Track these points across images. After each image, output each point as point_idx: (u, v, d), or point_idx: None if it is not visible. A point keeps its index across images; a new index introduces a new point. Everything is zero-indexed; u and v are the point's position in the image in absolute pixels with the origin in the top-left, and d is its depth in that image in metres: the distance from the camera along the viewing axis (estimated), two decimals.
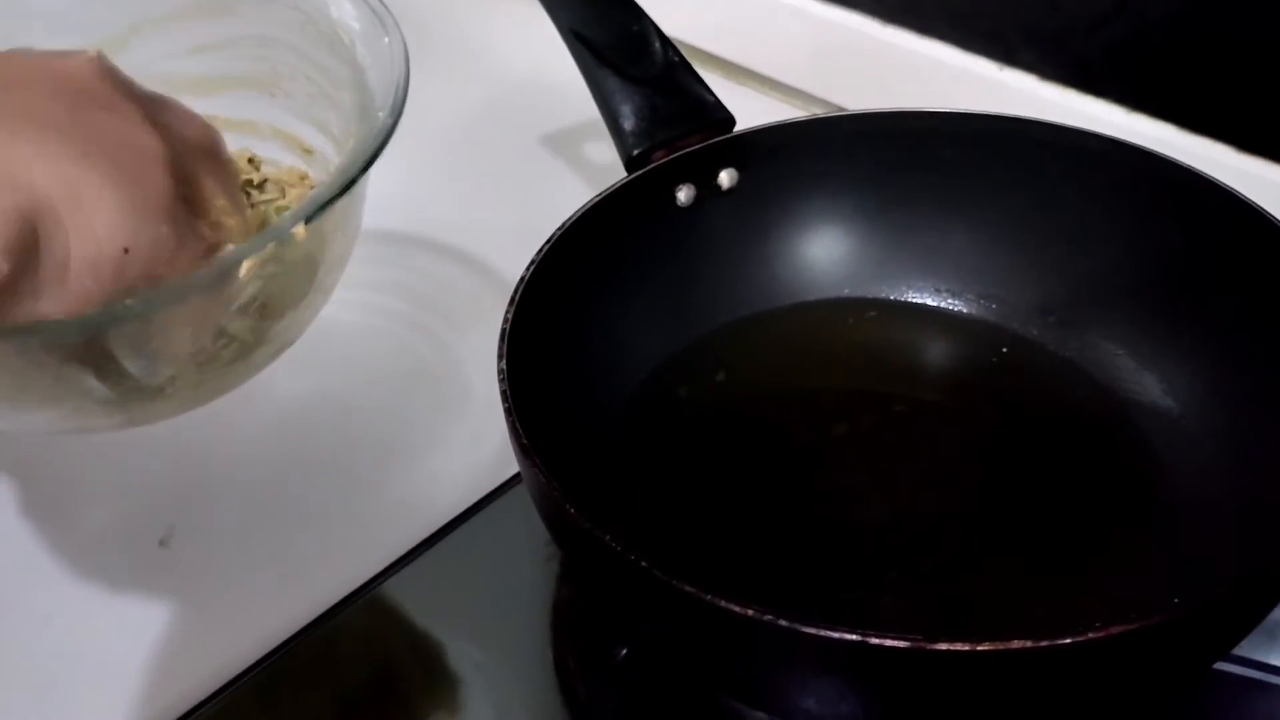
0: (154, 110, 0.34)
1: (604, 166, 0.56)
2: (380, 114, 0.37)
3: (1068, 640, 0.27)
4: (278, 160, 0.45)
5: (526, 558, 0.41)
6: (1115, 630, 0.27)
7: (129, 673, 0.38)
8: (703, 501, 0.40)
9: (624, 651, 0.37)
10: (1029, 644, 0.26)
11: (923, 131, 0.44)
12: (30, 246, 0.30)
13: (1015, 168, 0.44)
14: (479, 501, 0.43)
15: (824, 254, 0.46)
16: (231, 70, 0.45)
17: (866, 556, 0.38)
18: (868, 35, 0.59)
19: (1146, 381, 0.41)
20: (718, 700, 0.36)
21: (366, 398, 0.47)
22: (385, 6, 0.41)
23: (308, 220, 0.34)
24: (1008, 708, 0.30)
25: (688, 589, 0.28)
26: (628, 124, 0.43)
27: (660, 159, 0.43)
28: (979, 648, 0.26)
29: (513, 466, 0.42)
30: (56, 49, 0.35)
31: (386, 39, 0.39)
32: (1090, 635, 0.27)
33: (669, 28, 0.46)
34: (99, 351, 0.35)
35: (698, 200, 0.44)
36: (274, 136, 0.45)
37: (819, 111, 0.49)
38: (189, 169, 0.34)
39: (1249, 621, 0.31)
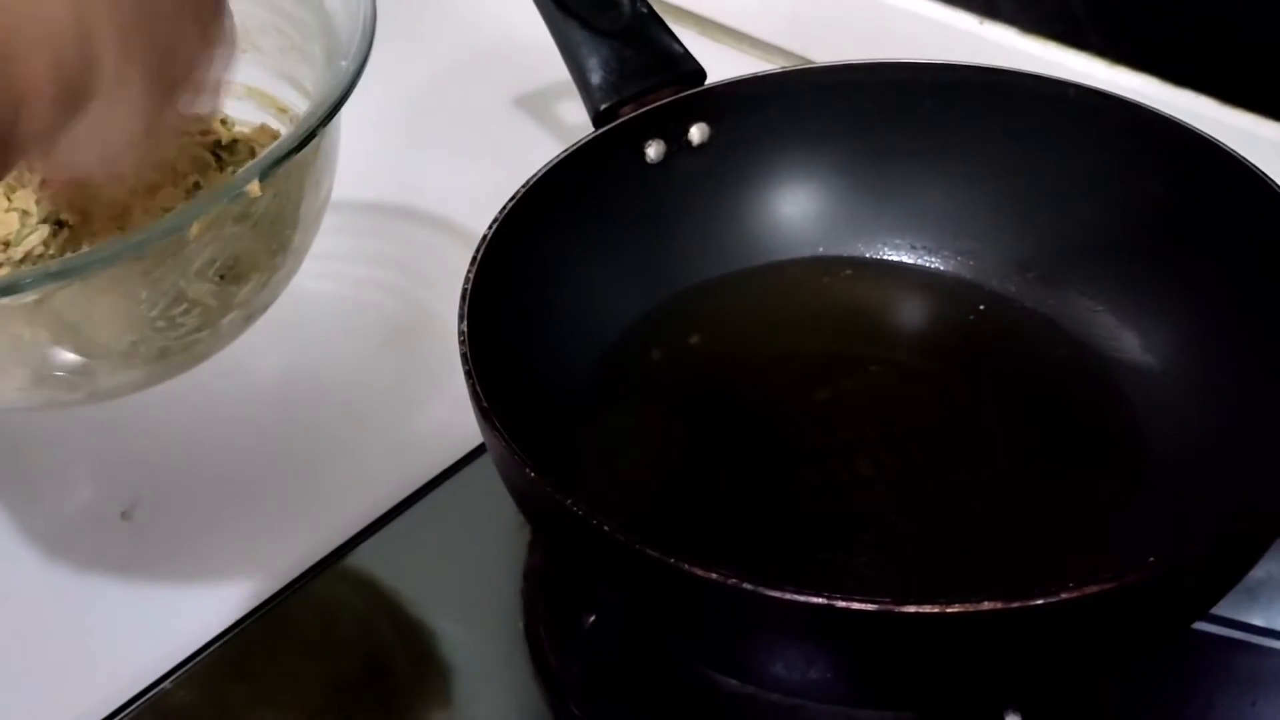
0: None
1: (577, 126, 0.55)
2: (343, 63, 0.36)
3: (1040, 601, 0.26)
4: (252, 121, 0.44)
5: (497, 525, 0.40)
6: (1090, 590, 0.26)
7: (94, 645, 0.38)
8: (675, 465, 0.39)
9: (593, 619, 0.37)
10: (1000, 605, 0.26)
11: (900, 84, 0.43)
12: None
13: (994, 120, 0.43)
14: (449, 468, 0.42)
15: (798, 211, 0.45)
16: None
17: (841, 518, 0.37)
18: None
19: (1126, 338, 0.41)
20: (688, 667, 0.35)
21: (338, 366, 0.47)
22: None
23: (262, 177, 0.33)
24: (981, 670, 0.30)
25: (651, 553, 0.28)
26: (595, 77, 0.42)
27: (629, 113, 0.42)
28: (949, 609, 0.26)
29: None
30: None
31: None
32: (1064, 596, 0.26)
33: None
34: (52, 315, 0.35)
35: (668, 156, 0.43)
36: (248, 96, 0.44)
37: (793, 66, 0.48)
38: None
39: (1227, 580, 0.31)
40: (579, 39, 0.42)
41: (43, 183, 0.37)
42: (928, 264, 0.45)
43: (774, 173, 0.45)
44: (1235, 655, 0.35)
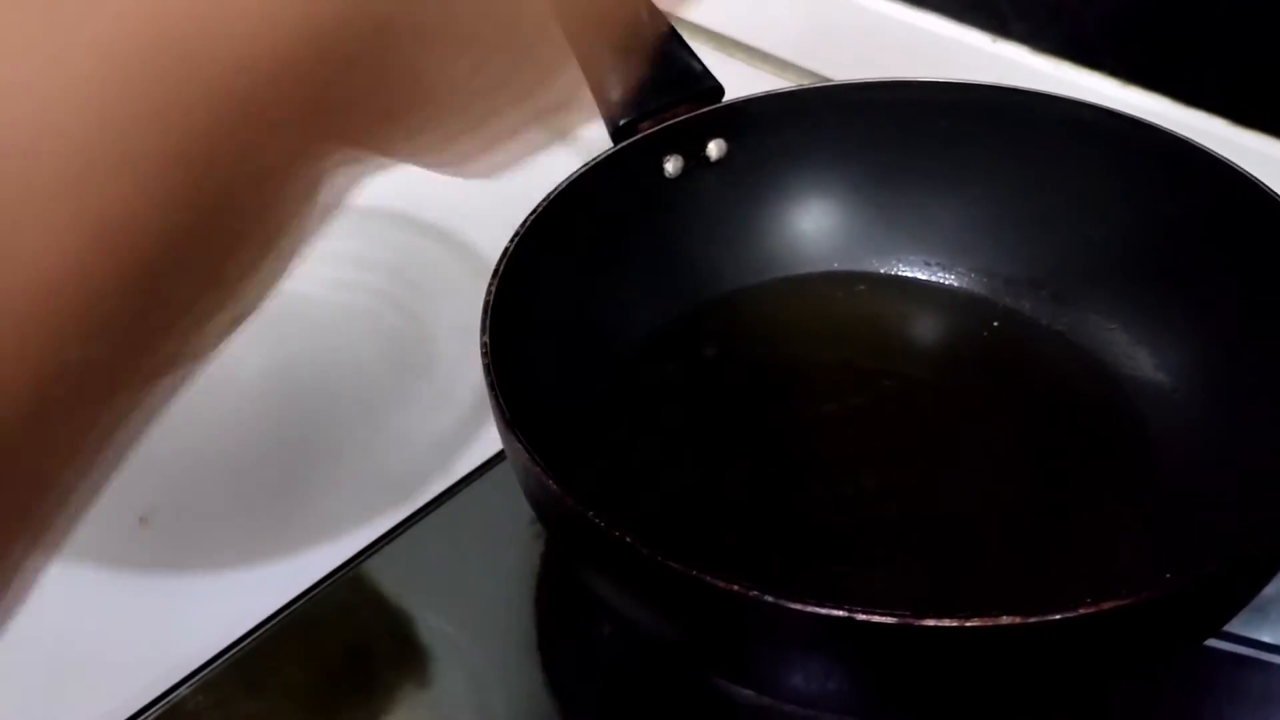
0: None
1: (592, 140, 0.55)
2: None
3: (1057, 616, 0.26)
4: None
5: (510, 536, 0.40)
6: (1105, 606, 0.26)
7: (108, 650, 0.38)
8: (690, 477, 0.40)
9: (609, 630, 0.37)
10: (1018, 620, 0.26)
11: (915, 102, 0.44)
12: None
13: (1008, 139, 0.43)
14: (462, 479, 0.42)
15: (814, 227, 0.45)
16: None
17: (854, 532, 0.37)
18: (859, 7, 0.58)
19: (1139, 356, 0.41)
20: (704, 678, 0.35)
21: (346, 376, 0.47)
22: None
23: None
24: (997, 684, 0.30)
25: (673, 565, 0.28)
26: (614, 93, 0.42)
27: (647, 129, 0.42)
28: (967, 624, 0.26)
29: (497, 443, 0.42)
30: None
31: None
32: (1080, 611, 0.26)
33: None
34: None
35: (686, 172, 0.43)
36: None
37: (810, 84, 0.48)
38: None
39: (1240, 598, 0.31)
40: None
41: None
42: (941, 280, 0.45)
43: (790, 188, 0.45)
44: (1246, 672, 0.36)
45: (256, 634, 0.38)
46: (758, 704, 0.35)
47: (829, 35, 0.60)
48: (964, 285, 0.45)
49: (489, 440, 0.43)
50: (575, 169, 0.41)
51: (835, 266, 0.45)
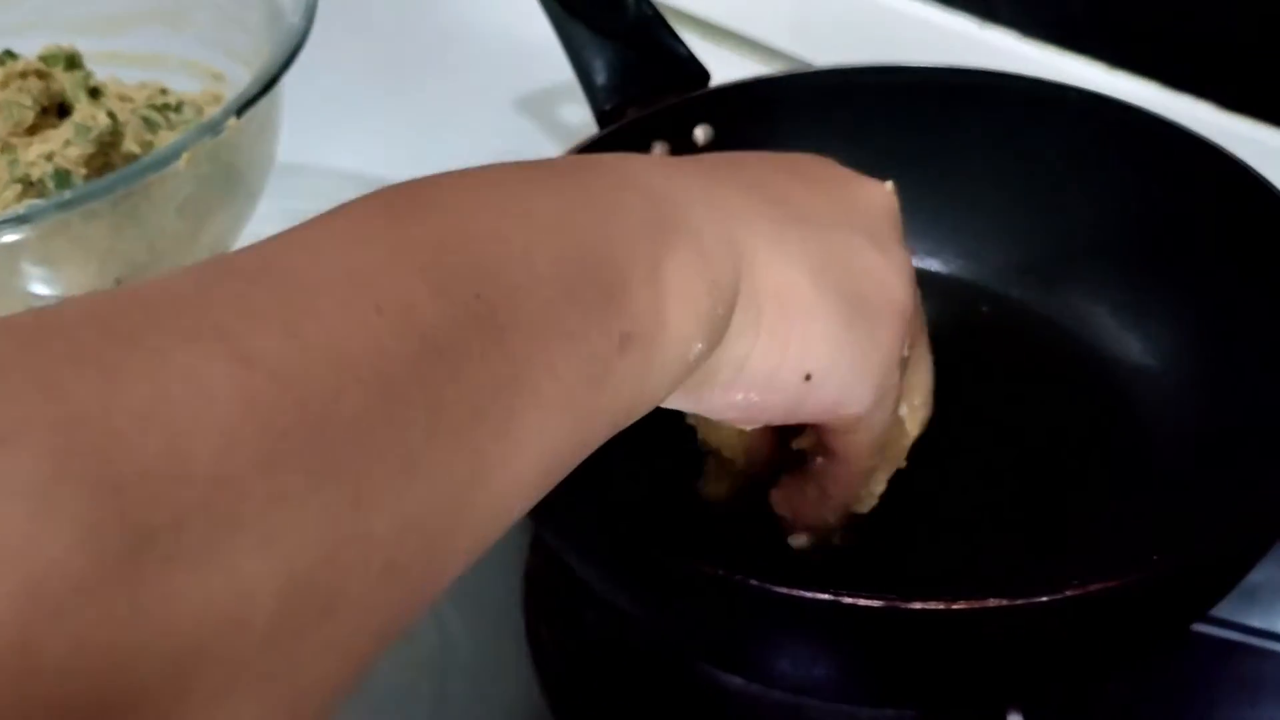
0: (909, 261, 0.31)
1: (580, 128, 0.55)
2: (291, 19, 0.40)
3: (1044, 598, 0.26)
4: (188, 90, 0.47)
5: None
6: (1092, 589, 0.26)
7: None
8: (678, 463, 0.39)
9: (597, 619, 0.37)
10: (1005, 602, 0.26)
11: (902, 86, 0.44)
12: (722, 329, 0.25)
13: (996, 124, 0.43)
14: None
15: None
16: (139, 7, 0.48)
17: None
18: None
19: (1127, 340, 0.41)
20: (691, 666, 0.35)
21: None
22: None
23: (239, 114, 0.37)
24: (986, 668, 0.30)
25: (661, 553, 0.28)
26: (600, 79, 0.42)
27: (633, 115, 0.42)
28: (954, 606, 0.26)
29: None
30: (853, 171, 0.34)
31: None
32: (1067, 593, 0.26)
33: None
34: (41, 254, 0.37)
35: (672, 157, 0.43)
36: (181, 68, 0.47)
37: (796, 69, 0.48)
38: (911, 335, 0.31)
39: (1227, 581, 0.31)
40: (584, 40, 0.43)
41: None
42: (930, 266, 0.45)
43: None
44: (1234, 657, 0.36)
45: None
46: (747, 691, 0.34)
47: (815, 21, 0.59)
48: (952, 271, 0.45)
49: None
50: (562, 154, 0.40)
51: None
